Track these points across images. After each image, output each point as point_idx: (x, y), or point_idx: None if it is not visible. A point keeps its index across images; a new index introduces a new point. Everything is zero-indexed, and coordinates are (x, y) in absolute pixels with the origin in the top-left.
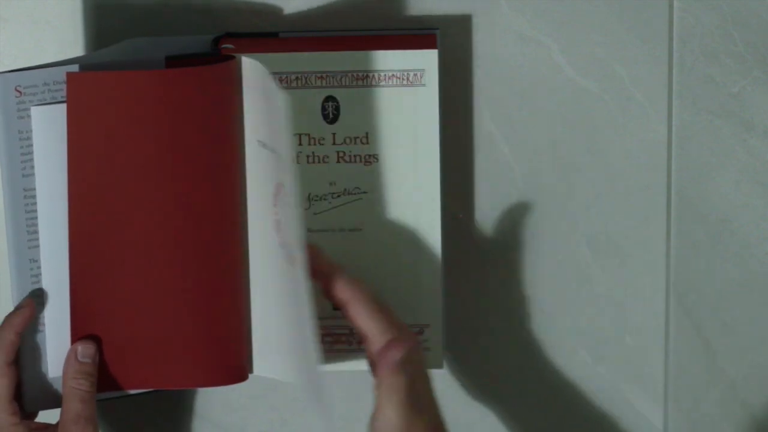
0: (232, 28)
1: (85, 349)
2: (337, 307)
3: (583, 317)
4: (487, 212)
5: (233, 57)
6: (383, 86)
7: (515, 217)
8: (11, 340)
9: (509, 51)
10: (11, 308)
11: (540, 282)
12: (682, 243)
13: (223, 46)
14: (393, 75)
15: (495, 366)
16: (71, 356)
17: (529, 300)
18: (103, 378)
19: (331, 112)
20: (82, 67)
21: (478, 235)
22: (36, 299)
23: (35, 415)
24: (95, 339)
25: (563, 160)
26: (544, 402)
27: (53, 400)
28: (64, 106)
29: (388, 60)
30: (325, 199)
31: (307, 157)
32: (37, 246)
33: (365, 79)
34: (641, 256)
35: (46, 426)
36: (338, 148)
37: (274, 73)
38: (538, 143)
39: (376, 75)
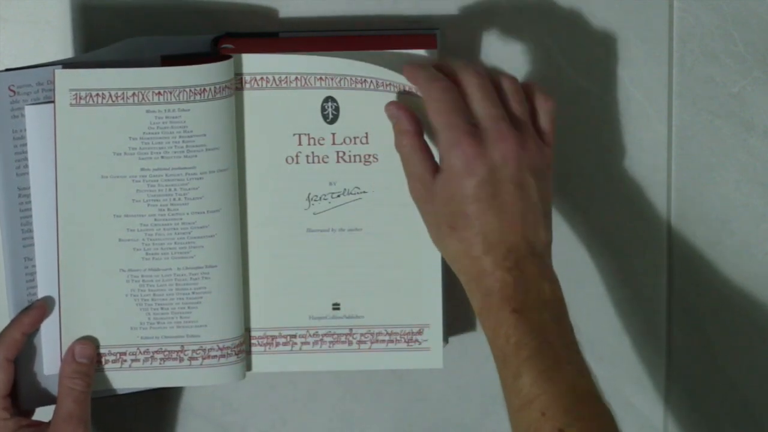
0: (232, 28)
1: (83, 349)
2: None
3: (583, 317)
4: None
5: (229, 57)
6: (381, 87)
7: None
8: (16, 339)
9: (509, 51)
10: (6, 307)
11: None
12: (682, 243)
13: (223, 46)
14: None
15: (495, 366)
16: (69, 355)
17: None
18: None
19: (330, 112)
20: (73, 66)
21: None
22: (48, 302)
23: (32, 413)
24: (93, 339)
25: (563, 160)
26: None
27: (48, 397)
28: None
29: (387, 62)
30: (324, 199)
31: (307, 157)
32: (32, 245)
33: (364, 80)
34: (641, 256)
35: (38, 423)
36: (338, 148)
37: (274, 73)
38: None
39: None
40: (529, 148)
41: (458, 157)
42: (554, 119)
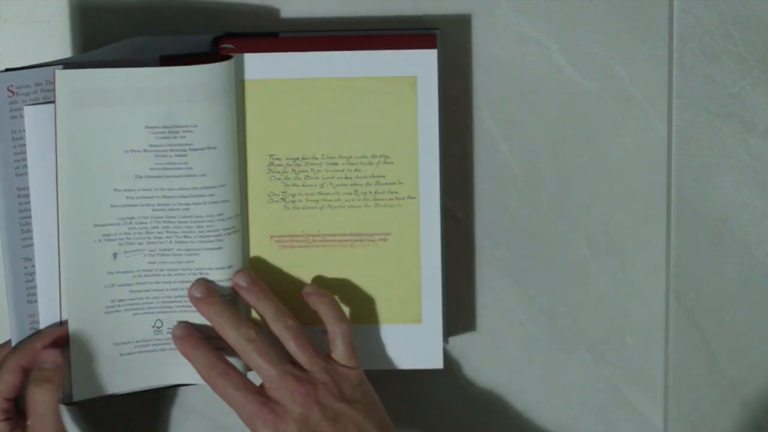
0: (232, 28)
1: (49, 355)
2: None
3: (583, 317)
4: (487, 212)
5: (229, 57)
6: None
7: (515, 217)
8: (35, 349)
9: (509, 51)
10: (5, 306)
11: (540, 282)
12: (682, 243)
13: (223, 46)
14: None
15: (495, 366)
16: (35, 364)
17: (529, 300)
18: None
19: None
20: (72, 66)
21: (478, 235)
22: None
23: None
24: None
25: (563, 160)
26: (544, 402)
27: None
28: None
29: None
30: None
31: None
32: (31, 245)
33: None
34: (641, 256)
35: None
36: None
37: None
38: (538, 143)
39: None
40: (325, 382)
41: (263, 428)
42: (350, 342)
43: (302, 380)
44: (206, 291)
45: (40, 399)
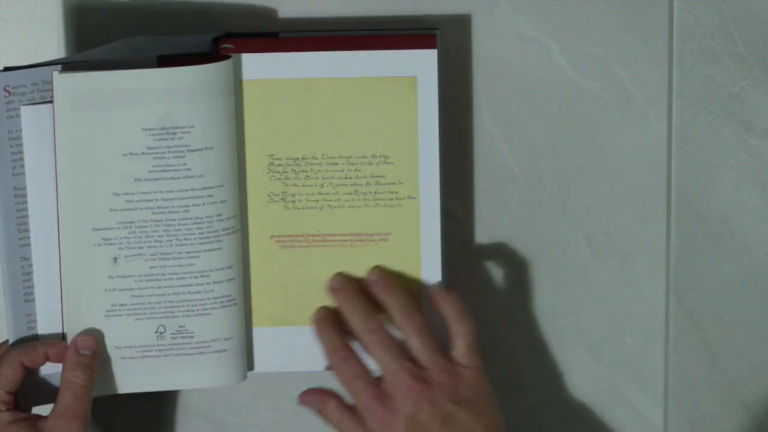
0: (232, 28)
1: (86, 341)
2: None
3: (583, 317)
4: (487, 212)
5: (228, 57)
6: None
7: (515, 217)
8: (37, 350)
9: (509, 51)
10: (2, 305)
11: (540, 282)
12: (682, 243)
13: (223, 46)
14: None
15: (495, 366)
16: (71, 348)
17: (529, 300)
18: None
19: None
20: (70, 67)
21: (478, 235)
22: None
23: (29, 410)
24: (96, 333)
25: (563, 160)
26: (544, 402)
27: (44, 396)
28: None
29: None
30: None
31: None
32: (29, 244)
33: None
34: (641, 256)
35: (36, 417)
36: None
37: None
38: (538, 143)
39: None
40: (442, 382)
41: (373, 421)
42: (471, 341)
43: (418, 378)
44: (342, 281)
45: (79, 383)
